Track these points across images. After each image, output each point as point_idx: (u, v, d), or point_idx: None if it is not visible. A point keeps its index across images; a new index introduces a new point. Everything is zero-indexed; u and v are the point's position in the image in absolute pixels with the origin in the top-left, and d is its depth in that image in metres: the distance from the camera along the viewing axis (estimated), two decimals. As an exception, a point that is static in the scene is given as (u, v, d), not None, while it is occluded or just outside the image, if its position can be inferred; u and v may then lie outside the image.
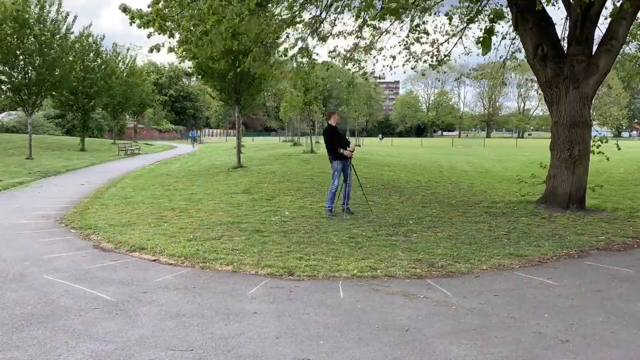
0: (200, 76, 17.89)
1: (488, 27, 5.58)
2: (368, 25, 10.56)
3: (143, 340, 3.54)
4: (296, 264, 5.37)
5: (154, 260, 5.72)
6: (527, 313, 4.09)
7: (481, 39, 5.51)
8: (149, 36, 7.20)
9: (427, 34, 11.56)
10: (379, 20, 9.66)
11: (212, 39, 7.29)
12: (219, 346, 3.44)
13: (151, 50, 7.37)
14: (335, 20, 9.72)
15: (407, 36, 11.59)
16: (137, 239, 6.58)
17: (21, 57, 21.62)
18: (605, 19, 9.42)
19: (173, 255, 5.82)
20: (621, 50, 10.77)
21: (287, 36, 9.70)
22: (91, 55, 28.79)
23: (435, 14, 11.61)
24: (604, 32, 9.02)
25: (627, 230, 7.37)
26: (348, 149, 8.29)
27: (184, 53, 8.38)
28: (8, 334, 3.64)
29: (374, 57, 11.76)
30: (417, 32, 11.43)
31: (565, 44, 9.44)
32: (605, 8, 9.14)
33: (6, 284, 4.80)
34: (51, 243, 6.61)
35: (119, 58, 35.81)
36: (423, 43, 11.62)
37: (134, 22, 6.86)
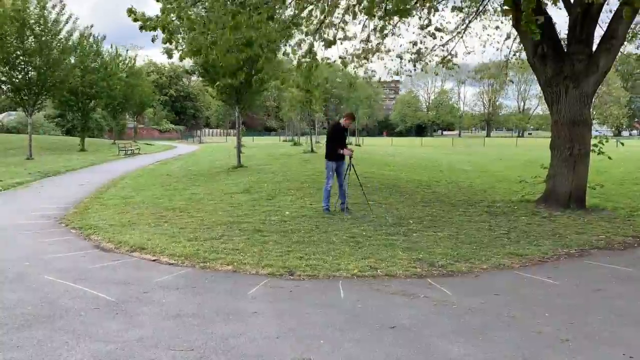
0: (202, 77, 17.90)
1: None
2: (374, 29, 10.48)
3: (143, 340, 3.54)
4: (296, 264, 5.37)
5: (155, 260, 5.73)
6: (527, 312, 4.09)
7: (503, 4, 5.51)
8: (153, 40, 7.19)
9: (440, 30, 11.48)
10: (386, 20, 9.59)
11: (222, 49, 7.28)
12: (220, 346, 3.45)
13: (169, 56, 7.44)
14: (340, 23, 9.66)
15: (417, 34, 11.53)
16: (137, 239, 6.57)
17: (21, 57, 21.63)
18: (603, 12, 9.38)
19: (173, 255, 5.82)
20: (623, 50, 10.73)
21: (292, 38, 9.70)
22: (91, 55, 28.80)
23: (439, 11, 11.54)
24: (604, 30, 9.00)
25: (628, 229, 7.36)
26: (346, 150, 8.51)
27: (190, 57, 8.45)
28: (8, 334, 3.64)
29: (382, 59, 11.68)
30: (425, 30, 11.36)
31: (565, 43, 9.42)
32: (607, 4, 9.12)
33: (6, 284, 4.80)
34: (51, 243, 6.62)
35: (119, 59, 35.81)
36: (433, 40, 11.54)
37: (145, 29, 6.84)
